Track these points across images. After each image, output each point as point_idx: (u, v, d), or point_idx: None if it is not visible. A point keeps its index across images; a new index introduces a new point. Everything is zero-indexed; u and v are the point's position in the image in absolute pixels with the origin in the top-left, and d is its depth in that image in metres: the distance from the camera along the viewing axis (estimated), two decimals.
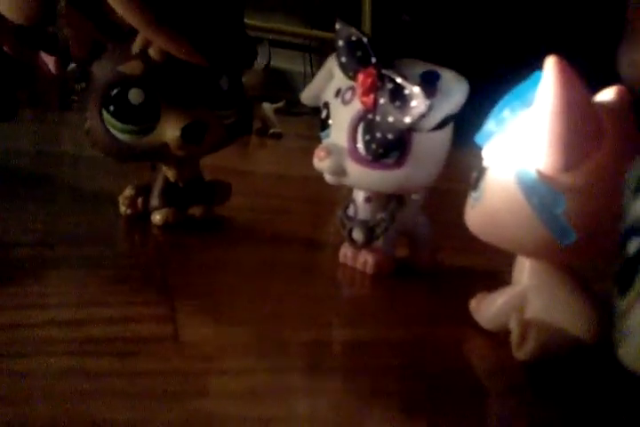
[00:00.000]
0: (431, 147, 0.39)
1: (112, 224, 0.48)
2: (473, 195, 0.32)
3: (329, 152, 0.40)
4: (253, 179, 0.83)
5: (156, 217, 0.47)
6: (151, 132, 0.44)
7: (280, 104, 1.29)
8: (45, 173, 0.65)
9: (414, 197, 0.45)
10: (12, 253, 0.39)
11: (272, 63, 1.19)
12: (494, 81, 0.53)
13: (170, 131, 0.43)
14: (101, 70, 0.43)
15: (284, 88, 2.13)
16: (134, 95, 0.43)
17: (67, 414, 0.22)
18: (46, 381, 0.25)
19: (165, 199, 0.48)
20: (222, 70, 0.46)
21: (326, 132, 0.42)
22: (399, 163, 0.39)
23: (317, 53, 2.31)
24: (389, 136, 0.38)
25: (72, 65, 1.09)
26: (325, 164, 0.41)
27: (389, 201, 0.43)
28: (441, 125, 0.37)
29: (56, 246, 0.41)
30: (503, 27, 1.47)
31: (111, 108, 0.43)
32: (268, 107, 1.25)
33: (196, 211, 0.49)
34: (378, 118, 0.38)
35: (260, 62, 1.16)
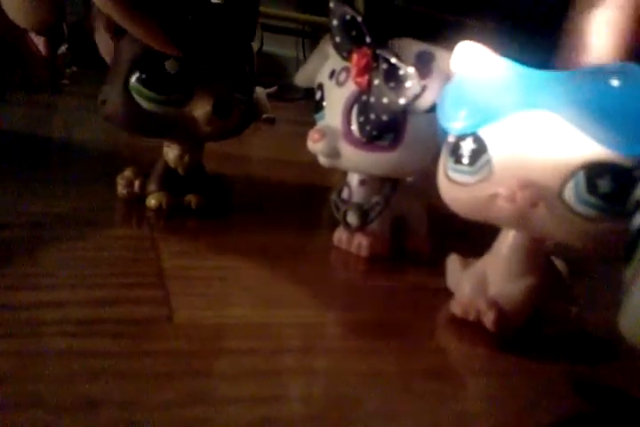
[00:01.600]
0: (426, 129, 0.39)
1: (106, 207, 0.48)
2: (608, 208, 0.28)
3: (323, 134, 0.40)
4: (246, 163, 0.82)
5: (151, 201, 0.47)
6: (181, 105, 0.43)
7: (273, 89, 1.29)
8: (37, 155, 0.65)
9: (408, 180, 0.45)
10: (3, 234, 0.38)
11: (264, 48, 1.18)
12: None
13: (201, 105, 0.43)
14: (135, 42, 0.43)
15: (277, 73, 2.12)
16: (171, 65, 0.42)
17: (62, 393, 0.22)
18: (41, 361, 0.24)
19: (163, 184, 0.48)
20: (244, 56, 0.47)
21: (320, 113, 0.42)
22: (393, 145, 0.39)
23: (310, 38, 2.30)
24: (384, 118, 0.37)
25: (62, 48, 1.09)
26: (319, 146, 0.40)
27: (384, 185, 0.43)
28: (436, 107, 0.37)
29: (49, 228, 0.40)
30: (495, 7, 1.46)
31: (144, 75, 0.42)
32: (260, 91, 1.24)
33: (192, 199, 0.48)
34: (372, 100, 0.37)
35: (255, 47, 1.16)
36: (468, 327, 0.33)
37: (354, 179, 0.44)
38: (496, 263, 0.34)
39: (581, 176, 0.28)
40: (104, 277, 0.34)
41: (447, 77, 0.36)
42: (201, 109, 0.43)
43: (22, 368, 0.24)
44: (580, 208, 0.28)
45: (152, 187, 0.48)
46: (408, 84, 0.36)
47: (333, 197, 0.45)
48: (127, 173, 0.49)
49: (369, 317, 0.34)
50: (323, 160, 0.41)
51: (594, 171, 0.28)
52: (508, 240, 0.33)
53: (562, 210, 0.29)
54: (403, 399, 0.26)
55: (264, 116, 1.23)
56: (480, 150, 0.31)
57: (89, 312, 0.29)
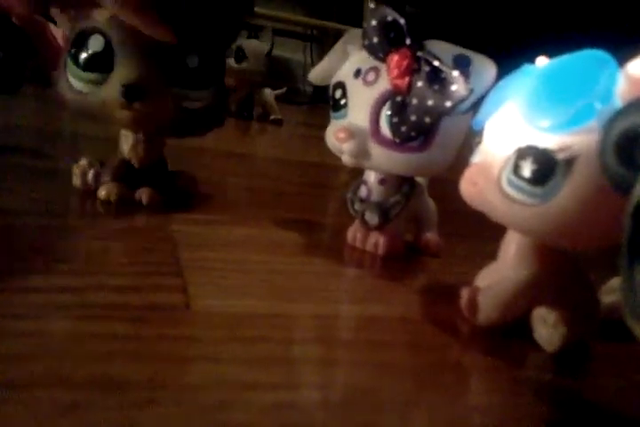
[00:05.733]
0: (454, 130, 0.39)
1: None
2: (530, 190, 0.28)
3: (351, 134, 0.40)
4: (253, 161, 0.83)
5: (101, 192, 0.45)
6: (100, 84, 0.42)
7: (282, 91, 1.29)
8: (48, 147, 0.65)
9: (420, 180, 0.45)
10: (18, 222, 0.38)
11: (273, 51, 1.18)
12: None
13: (111, 85, 0.41)
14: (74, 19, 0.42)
15: (285, 77, 2.13)
16: (94, 41, 0.41)
17: (83, 373, 0.23)
18: (60, 342, 0.25)
19: (116, 175, 0.46)
20: (192, 47, 0.43)
21: (341, 112, 0.42)
22: (424, 146, 0.39)
23: (318, 43, 2.31)
24: (427, 120, 0.37)
25: None
26: (348, 145, 0.40)
27: (402, 183, 0.43)
28: (471, 108, 0.37)
29: (64, 216, 0.41)
30: (505, 17, 1.47)
31: (72, 51, 0.42)
32: (269, 92, 1.24)
33: (143, 194, 0.46)
34: (414, 101, 0.37)
35: (264, 48, 1.16)
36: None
37: (372, 177, 0.44)
38: (501, 256, 0.34)
39: (512, 159, 0.29)
40: (122, 265, 0.34)
41: (484, 81, 0.36)
42: (109, 90, 0.41)
43: (43, 348, 0.24)
44: (509, 190, 0.29)
45: (105, 177, 0.46)
46: (454, 87, 0.36)
47: (349, 195, 0.45)
48: (82, 162, 0.47)
49: (382, 311, 0.34)
50: (348, 159, 0.41)
51: (520, 152, 0.29)
52: (512, 234, 0.33)
53: (497, 192, 0.30)
54: (416, 392, 0.26)
55: (272, 117, 1.24)
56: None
57: (108, 297, 0.29)
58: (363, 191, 0.44)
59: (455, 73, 0.36)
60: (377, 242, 0.43)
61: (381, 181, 0.43)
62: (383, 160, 0.40)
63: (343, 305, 0.35)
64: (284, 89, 1.30)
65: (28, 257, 0.33)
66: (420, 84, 0.37)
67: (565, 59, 0.30)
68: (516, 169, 0.29)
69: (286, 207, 0.56)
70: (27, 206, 0.42)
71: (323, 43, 2.29)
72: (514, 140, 0.29)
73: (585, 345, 0.33)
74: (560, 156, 0.28)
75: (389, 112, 0.39)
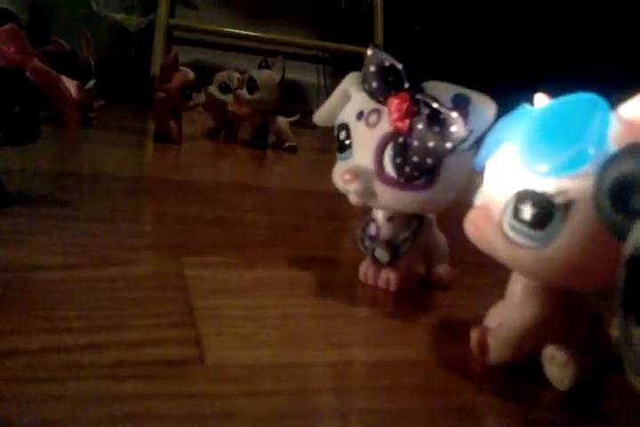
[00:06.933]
0: (457, 168, 0.40)
1: (134, 245, 0.49)
2: (531, 234, 0.29)
3: (356, 175, 0.41)
4: (268, 194, 0.84)
5: None
6: None
7: (295, 118, 1.30)
8: (65, 192, 0.66)
9: (430, 215, 0.46)
10: (34, 277, 0.39)
11: (285, 75, 1.20)
12: (503, 91, 0.54)
13: None
14: None
15: (298, 99, 2.15)
16: None
17: None
18: (79, 405, 0.25)
19: None
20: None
21: (346, 153, 0.42)
22: (429, 184, 0.40)
23: (330, 65, 2.33)
24: (428, 161, 0.38)
25: (90, 84, 1.11)
26: (354, 186, 0.41)
27: (411, 220, 0.44)
28: (473, 146, 0.38)
29: (80, 267, 0.42)
30: (512, 38, 1.47)
31: None
32: (282, 120, 1.26)
33: None
34: (416, 143, 0.38)
35: (275, 78, 1.17)
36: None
37: (380, 215, 0.44)
38: (508, 295, 0.34)
39: (512, 202, 0.30)
40: (136, 317, 0.35)
41: (483, 120, 0.37)
42: None
43: (66, 413, 0.25)
44: (510, 233, 0.30)
45: None
46: (453, 128, 0.36)
47: (359, 232, 0.46)
48: None
49: (395, 355, 0.35)
50: (354, 199, 0.42)
51: (519, 196, 0.29)
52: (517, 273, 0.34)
53: (499, 235, 0.30)
54: None
55: (286, 144, 1.25)
56: None
57: (123, 354, 0.30)
58: (372, 229, 0.45)
59: (454, 114, 0.36)
60: (388, 278, 0.44)
61: (389, 219, 0.44)
62: (389, 199, 0.41)
63: (356, 350, 0.35)
64: (297, 116, 1.32)
65: (44, 313, 0.34)
66: (420, 126, 0.38)
67: (558, 102, 0.30)
68: (516, 213, 0.29)
69: (301, 244, 0.56)
70: (44, 260, 0.43)
71: (335, 64, 2.31)
72: (513, 183, 0.30)
73: (597, 381, 0.33)
74: (558, 200, 0.28)
75: (392, 153, 0.39)
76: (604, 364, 0.33)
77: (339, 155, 0.44)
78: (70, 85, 0.51)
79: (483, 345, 0.33)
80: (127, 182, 0.76)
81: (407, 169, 0.39)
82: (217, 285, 0.42)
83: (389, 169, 0.40)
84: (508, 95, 0.43)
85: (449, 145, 0.37)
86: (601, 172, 0.24)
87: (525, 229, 0.29)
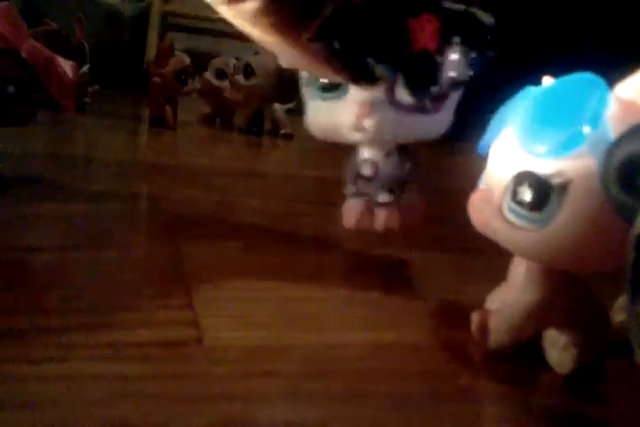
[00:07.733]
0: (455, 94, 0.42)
1: (128, 227, 0.49)
2: (529, 216, 0.29)
3: (372, 107, 0.41)
4: (265, 180, 0.83)
5: None
6: None
7: (291, 105, 1.29)
8: (60, 176, 0.66)
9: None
10: (31, 258, 0.39)
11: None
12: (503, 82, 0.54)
13: None
14: None
15: (294, 88, 2.13)
16: None
17: (96, 417, 0.23)
18: (74, 385, 0.25)
19: None
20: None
21: (339, 91, 0.43)
22: (436, 107, 0.41)
23: None
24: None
25: (84, 68, 1.10)
26: (372, 120, 0.41)
27: (403, 152, 0.44)
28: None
29: (75, 250, 0.41)
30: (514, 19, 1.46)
31: None
32: (279, 108, 1.25)
33: None
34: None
35: (272, 64, 1.16)
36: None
37: (376, 153, 0.44)
38: (510, 278, 0.34)
39: (511, 185, 0.29)
40: (132, 299, 0.34)
41: None
42: None
43: (61, 393, 0.24)
44: (510, 216, 0.29)
45: None
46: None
47: (348, 177, 0.45)
48: None
49: (394, 338, 0.34)
50: (366, 135, 0.42)
51: (517, 178, 0.29)
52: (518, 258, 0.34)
53: (500, 219, 0.30)
54: (428, 422, 0.26)
55: (282, 131, 1.24)
56: None
57: (121, 335, 0.30)
58: (366, 170, 0.44)
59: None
60: (389, 218, 0.44)
61: (388, 154, 0.44)
62: (402, 126, 0.42)
63: (355, 333, 0.35)
64: (294, 103, 1.31)
65: (42, 294, 0.33)
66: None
67: (557, 83, 0.30)
68: (515, 195, 0.29)
69: (296, 228, 0.56)
70: (41, 242, 0.42)
71: None
72: (512, 165, 0.30)
73: (598, 365, 0.33)
74: (555, 181, 0.28)
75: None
76: (604, 348, 0.32)
77: (322, 95, 0.44)
78: (66, 66, 0.50)
79: (484, 328, 0.33)
80: (123, 167, 0.76)
81: (431, 90, 0.40)
82: (214, 268, 0.42)
83: (402, 95, 0.40)
84: (511, 80, 0.43)
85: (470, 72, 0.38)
86: (608, 152, 0.24)
87: (524, 211, 0.29)
